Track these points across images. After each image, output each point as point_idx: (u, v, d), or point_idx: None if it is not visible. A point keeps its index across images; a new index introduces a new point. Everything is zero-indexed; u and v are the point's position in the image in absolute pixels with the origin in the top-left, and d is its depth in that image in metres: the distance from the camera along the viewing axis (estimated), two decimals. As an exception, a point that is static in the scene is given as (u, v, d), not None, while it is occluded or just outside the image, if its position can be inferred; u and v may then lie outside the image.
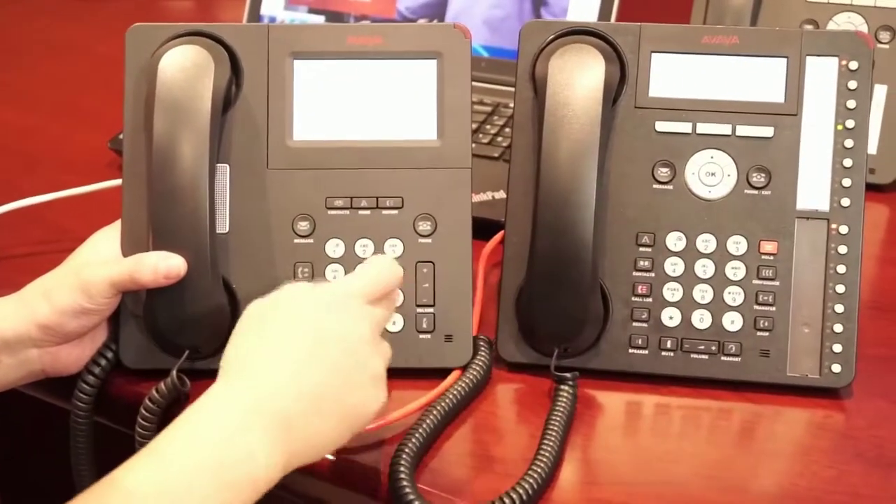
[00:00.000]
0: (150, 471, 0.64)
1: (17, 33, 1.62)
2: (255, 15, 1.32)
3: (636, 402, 0.86)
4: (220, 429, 0.66)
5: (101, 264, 0.81)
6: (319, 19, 1.31)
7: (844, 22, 1.15)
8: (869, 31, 1.15)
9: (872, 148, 1.15)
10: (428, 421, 0.79)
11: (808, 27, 1.16)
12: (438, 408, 0.80)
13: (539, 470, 0.75)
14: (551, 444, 0.77)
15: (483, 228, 0.96)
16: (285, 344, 0.70)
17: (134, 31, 0.88)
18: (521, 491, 0.74)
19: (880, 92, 1.14)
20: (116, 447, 0.85)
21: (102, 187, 1.03)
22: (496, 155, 1.12)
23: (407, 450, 0.76)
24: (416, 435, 0.77)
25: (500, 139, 1.14)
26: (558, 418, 0.79)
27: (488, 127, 1.17)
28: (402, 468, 0.75)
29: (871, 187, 1.14)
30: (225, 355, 0.71)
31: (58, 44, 1.56)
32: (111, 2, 1.70)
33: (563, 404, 0.81)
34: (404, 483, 0.74)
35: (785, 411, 0.84)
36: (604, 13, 1.19)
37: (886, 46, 1.14)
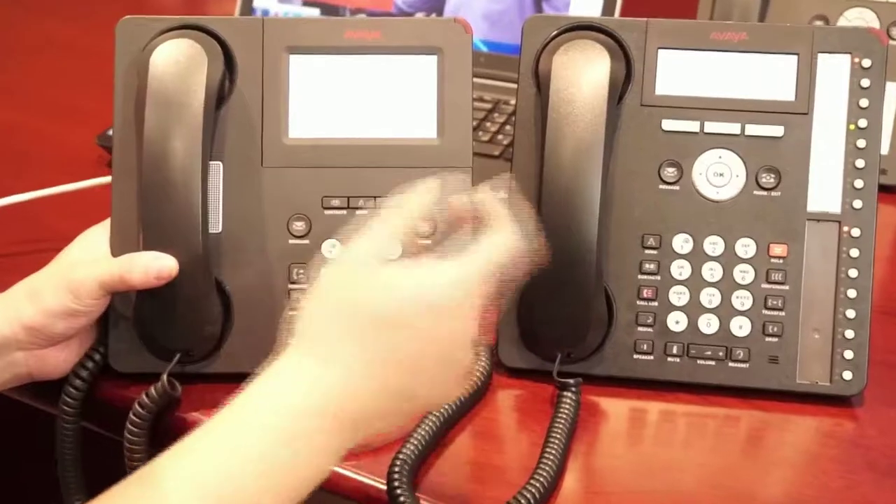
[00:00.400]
0: (191, 458, 0.62)
1: (1, 27, 1.61)
2: (247, 7, 1.31)
3: (641, 409, 0.85)
4: (290, 420, 0.63)
5: (90, 264, 0.81)
6: (314, 12, 1.30)
7: (856, 17, 1.15)
8: (881, 27, 1.14)
9: (884, 148, 1.14)
10: (426, 428, 0.78)
11: (819, 23, 1.16)
12: (437, 415, 0.80)
13: (542, 479, 0.75)
14: (554, 452, 0.77)
15: (483, 229, 0.96)
16: (379, 339, 0.64)
17: (124, 24, 0.87)
18: (523, 501, 0.73)
19: (892, 90, 1.13)
20: (104, 453, 0.85)
21: (91, 185, 1.02)
22: (497, 153, 1.11)
23: (404, 458, 0.75)
24: (414, 443, 0.77)
25: (500, 137, 1.14)
26: (561, 426, 0.79)
27: (488, 124, 1.16)
28: (399, 477, 0.74)
29: (882, 188, 1.13)
30: (301, 320, 0.66)
31: (43, 37, 1.55)
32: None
33: (566, 411, 0.80)
34: (402, 492, 0.73)
35: (794, 419, 0.84)
36: (608, 7, 1.18)
37: (898, 43, 1.14)
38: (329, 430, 0.63)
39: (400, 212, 0.68)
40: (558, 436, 0.78)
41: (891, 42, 1.12)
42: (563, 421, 0.79)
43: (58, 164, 1.16)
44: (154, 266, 0.79)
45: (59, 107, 1.32)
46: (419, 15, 1.26)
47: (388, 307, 0.64)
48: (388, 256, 0.66)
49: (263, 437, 0.63)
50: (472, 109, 0.87)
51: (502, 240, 0.68)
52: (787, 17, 1.15)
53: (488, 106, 1.19)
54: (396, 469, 0.75)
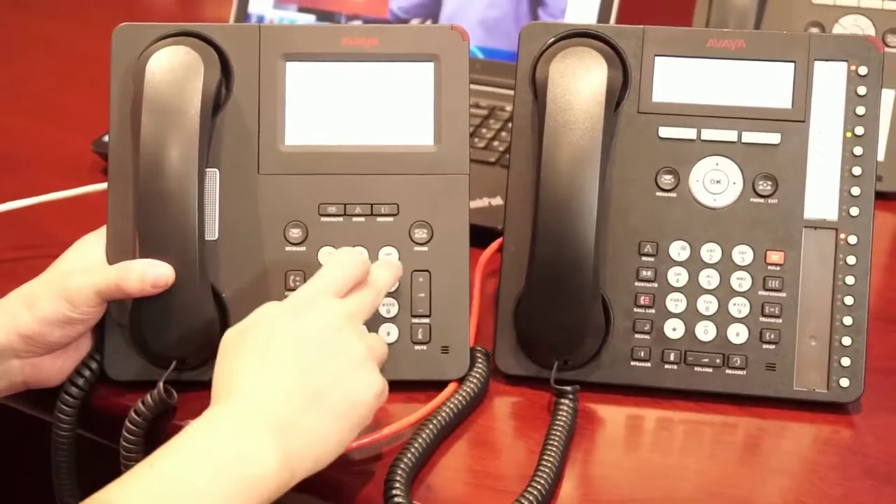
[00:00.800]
0: (141, 487, 0.64)
1: (-5, 29, 1.61)
2: (242, 13, 1.32)
3: (638, 417, 0.85)
4: (212, 438, 0.68)
5: (86, 272, 0.81)
6: (310, 18, 1.30)
7: (851, 25, 1.16)
8: (876, 34, 1.15)
9: (880, 155, 1.15)
10: (423, 436, 0.79)
11: (814, 30, 1.16)
12: (434, 422, 0.80)
13: (539, 487, 0.75)
14: (551, 460, 0.77)
15: (479, 236, 0.96)
16: (265, 358, 0.72)
17: (121, 31, 0.87)
18: (520, 509, 0.74)
19: (888, 97, 1.14)
20: (100, 462, 0.85)
21: (87, 191, 1.03)
22: (493, 160, 1.12)
23: (402, 465, 0.76)
24: (412, 450, 0.77)
25: (496, 143, 1.14)
26: (558, 433, 0.79)
27: (484, 131, 1.16)
28: (397, 485, 0.75)
29: (878, 195, 1.14)
30: (213, 389, 0.73)
31: (40, 39, 1.56)
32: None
33: (564, 419, 0.81)
34: (399, 499, 0.74)
35: (791, 426, 0.84)
36: (603, 14, 1.19)
37: (894, 50, 1.15)
38: (259, 442, 0.68)
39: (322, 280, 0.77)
40: (555, 443, 0.78)
41: (887, 49, 1.13)
42: (560, 428, 0.80)
43: (52, 170, 1.17)
44: (150, 274, 0.79)
45: (55, 111, 1.33)
46: (415, 21, 1.26)
47: (276, 330, 0.73)
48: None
49: (201, 465, 0.66)
50: (468, 116, 0.88)
51: (337, 257, 0.79)
52: (783, 24, 1.16)
53: (484, 112, 1.19)
54: (393, 476, 0.75)
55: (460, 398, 0.83)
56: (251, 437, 0.68)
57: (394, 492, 0.74)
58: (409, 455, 0.77)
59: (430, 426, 0.80)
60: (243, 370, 0.72)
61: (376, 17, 1.28)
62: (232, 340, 0.74)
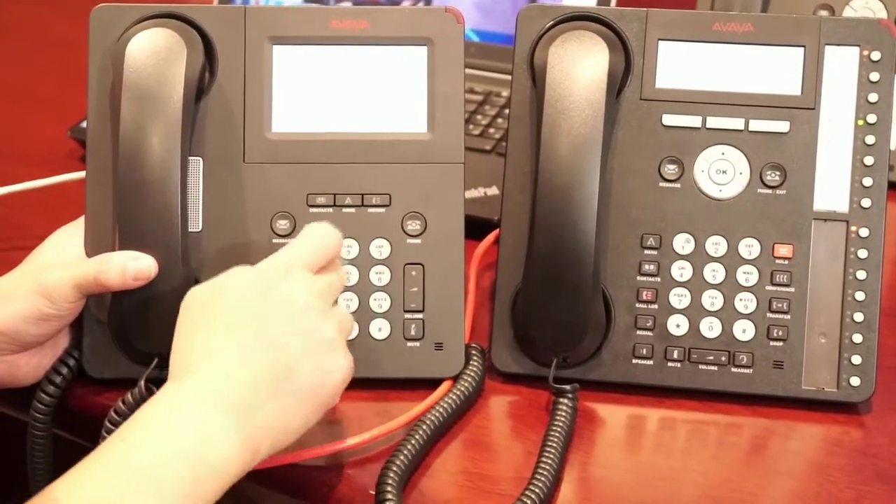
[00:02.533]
0: (85, 481, 0.64)
1: (-35, 11, 1.61)
2: (228, -6, 1.31)
3: (640, 417, 0.86)
4: (174, 418, 0.67)
5: (64, 266, 0.81)
6: (298, 0, 1.30)
7: (862, 7, 1.16)
8: (889, 18, 1.15)
9: (893, 143, 1.15)
10: (417, 436, 0.79)
11: (824, 13, 1.16)
12: (428, 422, 0.80)
13: (537, 490, 0.75)
14: (550, 461, 0.77)
15: (474, 227, 0.96)
16: (231, 333, 0.71)
17: (99, 12, 0.87)
18: (517, 513, 0.74)
19: (901, 83, 1.14)
20: (77, 461, 0.85)
21: (63, 180, 1.02)
22: (488, 148, 1.12)
23: (394, 468, 0.76)
24: (404, 452, 0.77)
25: (492, 130, 1.14)
26: (557, 434, 0.79)
27: (479, 117, 1.16)
28: (389, 488, 0.75)
29: (892, 186, 1.14)
30: (171, 356, 0.72)
31: (12, 19, 1.55)
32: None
33: (563, 419, 0.81)
34: (391, 503, 0.74)
35: (799, 427, 0.84)
36: (604, -3, 1.19)
37: (908, 34, 1.15)
38: (221, 423, 0.67)
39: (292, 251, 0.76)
40: (554, 445, 0.78)
41: (899, 33, 1.13)
42: (558, 429, 0.80)
43: (27, 158, 1.16)
44: (132, 266, 0.79)
45: (29, 96, 1.32)
46: (407, 3, 1.26)
47: (245, 302, 0.72)
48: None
49: (161, 447, 0.65)
50: (463, 103, 0.88)
51: (313, 229, 0.77)
52: (791, 7, 1.15)
53: (479, 98, 1.19)
54: (386, 479, 0.75)
55: (454, 397, 0.83)
56: (214, 419, 0.67)
57: (386, 496, 0.74)
58: (400, 458, 0.77)
59: (423, 427, 0.80)
60: (208, 345, 0.70)
61: (367, -2, 1.28)
62: (197, 304, 0.73)
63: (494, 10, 1.24)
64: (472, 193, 1.04)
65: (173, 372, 0.71)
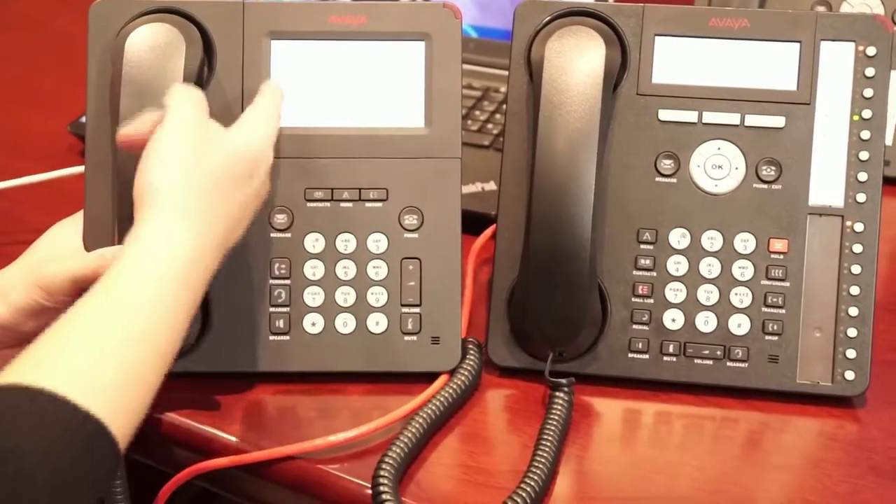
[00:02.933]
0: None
1: (-34, 6, 1.61)
2: (227, -11, 1.31)
3: (636, 411, 0.86)
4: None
5: (62, 259, 0.81)
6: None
7: (859, 3, 1.16)
8: (885, 14, 1.15)
9: (888, 139, 1.15)
10: (412, 430, 0.79)
11: (821, 9, 1.16)
12: (424, 415, 0.80)
13: (532, 483, 0.75)
14: (545, 455, 0.78)
15: (472, 222, 0.96)
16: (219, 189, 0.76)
17: (98, 7, 0.87)
18: (513, 505, 0.74)
19: (897, 79, 1.14)
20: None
21: (62, 175, 1.03)
22: (486, 143, 1.12)
23: (390, 461, 0.76)
24: (400, 445, 0.78)
25: (490, 126, 1.14)
26: (553, 427, 0.80)
27: (477, 113, 1.17)
28: (384, 480, 0.75)
29: (886, 181, 1.14)
30: (159, 181, 0.75)
31: (11, 18, 1.55)
32: (70, -28, 1.70)
33: (558, 412, 0.81)
34: (387, 497, 0.74)
35: (794, 421, 0.85)
36: (603, -8, 1.19)
37: (904, 30, 1.15)
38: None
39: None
40: (550, 438, 0.79)
41: (896, 29, 1.13)
42: (554, 422, 0.80)
43: (27, 152, 1.17)
44: None
45: (30, 91, 1.32)
46: (406, -1, 1.26)
47: (225, 164, 0.77)
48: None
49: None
50: (461, 98, 0.88)
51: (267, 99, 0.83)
52: (789, 2, 1.16)
53: (478, 94, 1.19)
54: (382, 472, 0.75)
55: (451, 391, 0.83)
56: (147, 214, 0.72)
57: (381, 488, 0.75)
58: (396, 450, 0.77)
59: (420, 420, 0.80)
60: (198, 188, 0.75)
61: (366, -7, 1.28)
62: (190, 143, 0.76)
63: (492, 5, 1.25)
64: (470, 188, 1.04)
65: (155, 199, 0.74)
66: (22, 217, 1.03)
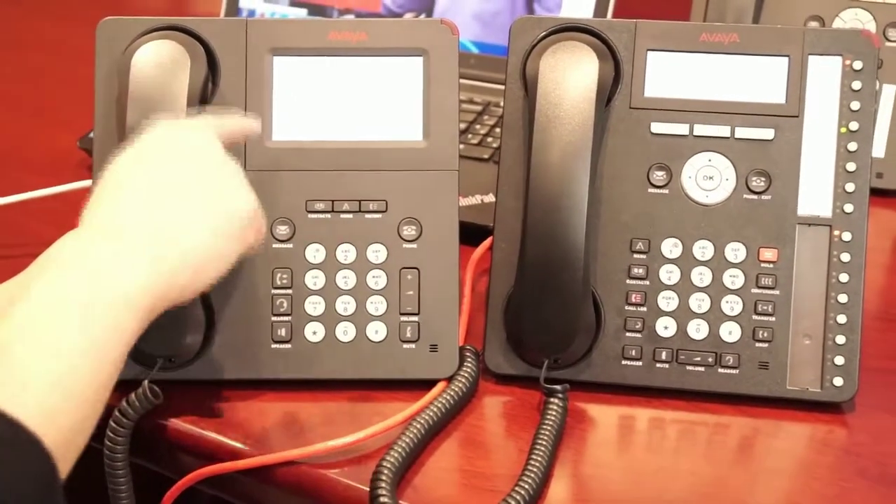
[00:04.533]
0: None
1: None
2: (233, 8, 1.33)
3: (629, 416, 0.87)
4: (62, 260, 0.68)
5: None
6: (302, 13, 1.32)
7: (851, 19, 1.17)
8: (877, 29, 1.17)
9: (880, 151, 1.17)
10: (411, 435, 0.80)
11: (814, 24, 1.18)
12: (422, 421, 0.82)
13: (527, 486, 0.76)
14: (539, 459, 0.79)
15: (472, 234, 0.98)
16: (154, 170, 0.74)
17: (105, 25, 0.89)
18: (507, 508, 0.75)
19: (889, 92, 1.16)
20: (83, 462, 0.87)
21: (71, 188, 1.04)
22: (486, 156, 1.13)
23: (388, 465, 0.77)
24: (398, 449, 0.79)
25: (490, 140, 1.16)
26: (547, 432, 0.81)
27: (478, 127, 1.18)
28: (382, 484, 0.76)
29: (879, 192, 1.16)
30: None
31: (25, 36, 1.58)
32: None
33: (553, 418, 0.82)
34: (385, 500, 0.75)
35: (785, 426, 0.86)
36: (600, 8, 1.21)
37: (895, 45, 1.16)
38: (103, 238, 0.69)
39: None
40: (544, 443, 0.80)
41: (887, 43, 1.15)
42: (549, 427, 0.81)
43: (39, 167, 1.18)
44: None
45: (41, 108, 1.34)
46: (409, 16, 1.28)
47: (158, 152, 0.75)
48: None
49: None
50: (458, 111, 0.89)
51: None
52: (782, 18, 1.17)
53: (478, 108, 1.21)
54: (380, 475, 0.77)
55: (448, 397, 0.84)
56: (105, 247, 0.68)
57: (379, 491, 0.76)
58: (394, 454, 0.78)
59: (417, 425, 0.81)
60: (133, 171, 0.73)
61: (369, 11, 1.30)
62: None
63: (494, 22, 1.26)
64: (469, 201, 1.06)
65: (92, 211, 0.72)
66: (31, 230, 1.05)
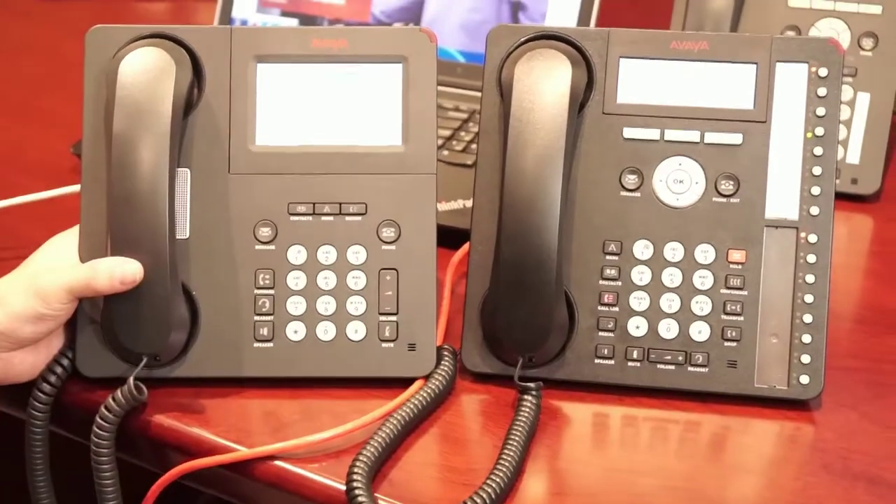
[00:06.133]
0: None
1: (-24, 33, 1.65)
2: (226, 17, 1.35)
3: (602, 414, 0.89)
4: None
5: (58, 270, 0.85)
6: (293, 22, 1.34)
7: (827, 28, 1.19)
8: (852, 38, 1.19)
9: (855, 158, 1.18)
10: (386, 430, 0.82)
11: (791, 33, 1.20)
12: (398, 417, 0.83)
13: (498, 479, 0.78)
14: (511, 453, 0.80)
15: (454, 237, 0.99)
16: None
17: (94, 33, 0.91)
18: (478, 500, 0.77)
19: (863, 100, 1.18)
20: (72, 458, 0.89)
21: (63, 193, 1.06)
22: (469, 163, 1.15)
23: (364, 459, 0.79)
24: (374, 445, 0.81)
25: (473, 146, 1.17)
26: (520, 428, 0.83)
27: (463, 134, 1.20)
28: (358, 477, 0.78)
29: (854, 198, 1.18)
30: None
31: (22, 43, 1.59)
32: (81, 1, 1.74)
33: (526, 414, 0.84)
34: (360, 492, 0.77)
35: (753, 423, 0.88)
36: (583, 18, 1.23)
37: (869, 54, 1.18)
38: None
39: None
40: (516, 438, 0.82)
41: (861, 52, 1.17)
42: (522, 424, 0.83)
43: (32, 172, 1.20)
44: (118, 271, 0.83)
45: (36, 113, 1.36)
46: (397, 25, 1.30)
47: None
48: None
49: None
50: (436, 117, 0.91)
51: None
52: (759, 27, 1.19)
53: (464, 116, 1.22)
54: (356, 469, 0.79)
55: (425, 395, 0.86)
56: None
57: (354, 485, 0.78)
58: (370, 449, 0.80)
59: (394, 422, 0.83)
60: None
61: (358, 20, 1.32)
62: None
63: (480, 32, 1.28)
64: (451, 205, 1.07)
65: None
66: (24, 233, 1.06)
